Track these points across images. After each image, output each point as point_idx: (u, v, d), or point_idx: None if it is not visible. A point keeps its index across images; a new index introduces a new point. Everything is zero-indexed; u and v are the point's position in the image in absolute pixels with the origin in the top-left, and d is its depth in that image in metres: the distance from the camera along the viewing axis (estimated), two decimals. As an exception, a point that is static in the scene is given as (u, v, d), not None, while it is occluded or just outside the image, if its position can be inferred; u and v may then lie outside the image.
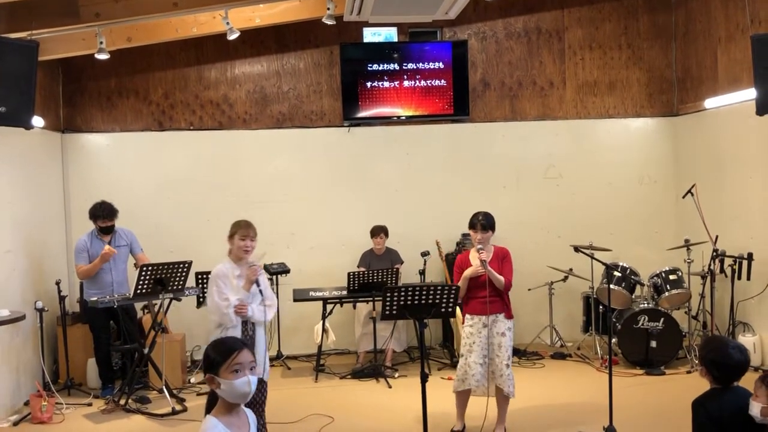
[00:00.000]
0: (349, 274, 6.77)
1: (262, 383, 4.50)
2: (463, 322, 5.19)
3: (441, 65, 7.89)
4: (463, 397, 5.18)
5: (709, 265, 6.81)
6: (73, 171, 7.62)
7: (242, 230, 4.54)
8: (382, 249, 7.42)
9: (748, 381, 3.20)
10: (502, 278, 4.97)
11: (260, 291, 4.51)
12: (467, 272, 5.03)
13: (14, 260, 6.28)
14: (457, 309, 5.32)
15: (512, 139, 8.11)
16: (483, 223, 5.02)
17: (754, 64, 5.11)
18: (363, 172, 7.97)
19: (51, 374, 6.70)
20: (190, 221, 7.75)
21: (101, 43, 6.19)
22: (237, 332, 4.43)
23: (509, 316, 5.10)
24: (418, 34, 8.06)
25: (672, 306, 6.96)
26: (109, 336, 6.57)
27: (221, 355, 2.48)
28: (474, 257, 5.07)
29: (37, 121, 6.44)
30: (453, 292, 4.47)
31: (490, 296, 4.96)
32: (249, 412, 2.64)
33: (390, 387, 6.52)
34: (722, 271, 6.80)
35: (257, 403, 4.50)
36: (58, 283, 6.60)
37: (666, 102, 8.27)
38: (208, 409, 2.55)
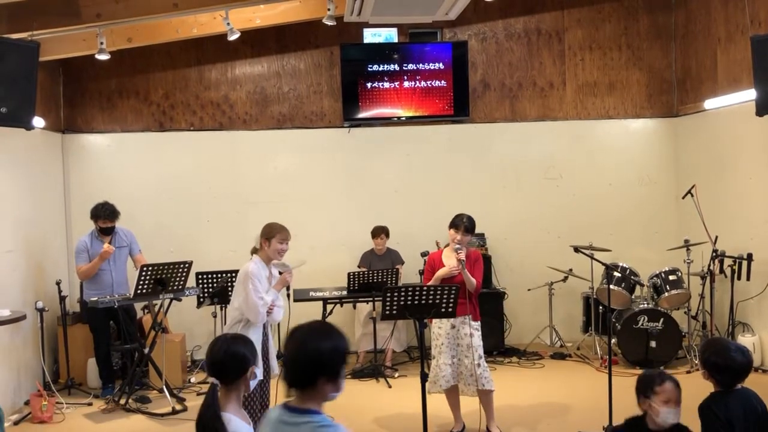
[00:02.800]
0: (349, 274, 6.77)
1: (269, 379, 4.57)
2: (430, 322, 5.18)
3: (441, 66, 7.90)
4: (452, 397, 5.21)
5: (709, 265, 6.82)
6: (73, 171, 7.63)
7: (282, 233, 4.61)
8: (383, 249, 7.43)
9: (750, 382, 3.21)
10: (474, 280, 4.97)
11: (288, 295, 4.62)
12: (441, 272, 5.03)
13: (15, 260, 6.29)
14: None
15: (512, 140, 8.12)
16: (467, 225, 5.02)
17: (754, 65, 5.12)
18: (363, 173, 7.98)
19: (51, 374, 6.71)
20: (191, 221, 7.75)
21: (102, 43, 6.20)
22: (258, 331, 4.53)
23: (476, 318, 5.10)
24: (418, 35, 8.07)
25: (671, 306, 6.97)
26: (109, 336, 6.58)
27: (255, 350, 2.77)
28: (448, 257, 5.08)
29: (38, 121, 6.45)
30: (453, 292, 4.48)
31: (461, 298, 4.96)
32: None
33: (390, 387, 6.53)
34: (722, 271, 6.81)
35: (265, 400, 4.53)
36: (58, 283, 6.61)
37: (666, 103, 8.28)
38: (213, 409, 2.54)
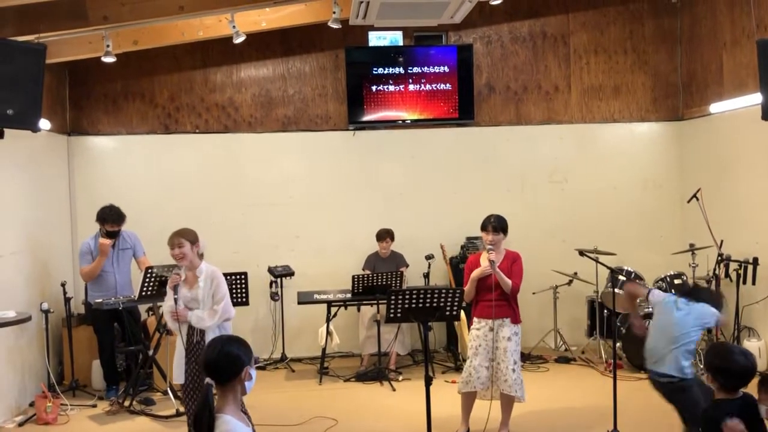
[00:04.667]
0: (353, 277, 6.78)
1: None
2: (470, 325, 5.20)
3: (446, 69, 7.90)
4: (468, 400, 5.18)
5: (714, 269, 6.79)
6: (79, 173, 7.65)
7: (169, 240, 4.64)
8: (387, 252, 7.43)
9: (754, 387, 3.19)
10: (509, 281, 4.97)
11: (175, 299, 4.55)
12: (475, 273, 5.05)
13: (20, 262, 6.31)
14: (462, 312, 5.33)
15: (517, 143, 8.11)
16: (494, 224, 5.05)
17: (759, 68, 5.10)
18: (368, 176, 7.99)
19: (56, 375, 6.72)
20: (195, 224, 7.59)
21: (108, 46, 6.22)
22: (181, 342, 4.59)
23: (516, 321, 5.10)
24: (423, 38, 8.07)
25: (677, 310, 6.93)
26: (113, 338, 6.58)
27: (250, 351, 2.73)
28: (484, 259, 5.08)
29: (44, 123, 6.47)
30: (457, 295, 4.48)
31: (498, 300, 4.97)
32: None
33: (394, 390, 6.52)
34: (727, 275, 6.79)
35: None
36: (63, 285, 6.63)
37: (671, 106, 8.26)
38: (208, 413, 2.54)
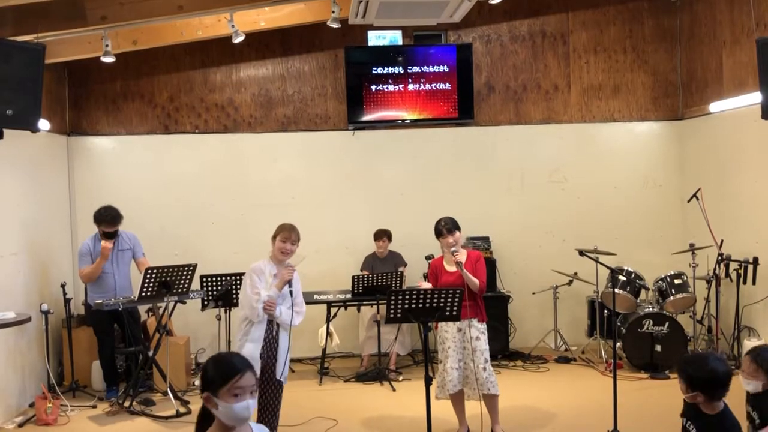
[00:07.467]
0: (353, 277, 6.77)
1: (278, 385, 4.58)
2: (436, 328, 5.18)
3: (446, 68, 7.90)
4: (456, 401, 5.18)
5: (715, 269, 6.79)
6: (78, 174, 7.64)
7: (284, 233, 4.61)
8: (384, 252, 7.42)
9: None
10: (476, 280, 4.96)
11: (290, 292, 4.53)
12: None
13: (20, 263, 6.30)
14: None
15: (517, 143, 8.11)
16: (449, 226, 5.04)
17: (759, 67, 5.10)
18: (367, 176, 7.98)
19: (56, 376, 6.71)
20: (195, 224, 7.76)
21: (107, 46, 6.22)
22: (261, 329, 4.51)
23: (482, 320, 5.08)
24: (422, 37, 8.06)
25: (677, 310, 6.94)
26: (113, 338, 6.58)
27: (222, 376, 2.31)
28: (448, 262, 5.08)
29: (44, 124, 6.47)
30: (457, 295, 4.47)
31: (466, 301, 4.94)
32: (255, 426, 2.45)
33: (394, 390, 6.52)
34: (727, 275, 6.78)
35: (272, 406, 4.53)
36: (63, 286, 6.63)
37: (671, 105, 8.26)
38: (202, 428, 2.35)
